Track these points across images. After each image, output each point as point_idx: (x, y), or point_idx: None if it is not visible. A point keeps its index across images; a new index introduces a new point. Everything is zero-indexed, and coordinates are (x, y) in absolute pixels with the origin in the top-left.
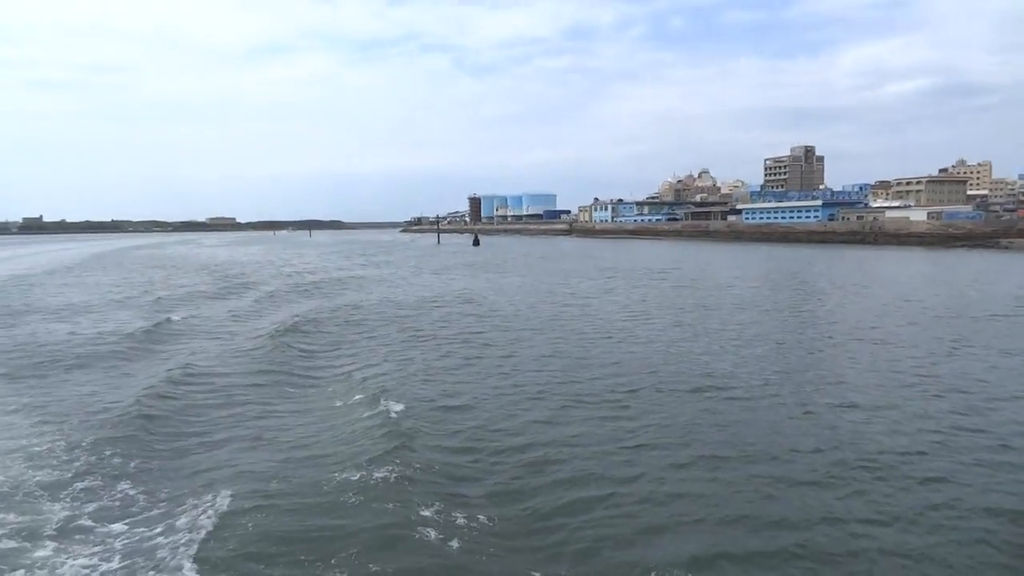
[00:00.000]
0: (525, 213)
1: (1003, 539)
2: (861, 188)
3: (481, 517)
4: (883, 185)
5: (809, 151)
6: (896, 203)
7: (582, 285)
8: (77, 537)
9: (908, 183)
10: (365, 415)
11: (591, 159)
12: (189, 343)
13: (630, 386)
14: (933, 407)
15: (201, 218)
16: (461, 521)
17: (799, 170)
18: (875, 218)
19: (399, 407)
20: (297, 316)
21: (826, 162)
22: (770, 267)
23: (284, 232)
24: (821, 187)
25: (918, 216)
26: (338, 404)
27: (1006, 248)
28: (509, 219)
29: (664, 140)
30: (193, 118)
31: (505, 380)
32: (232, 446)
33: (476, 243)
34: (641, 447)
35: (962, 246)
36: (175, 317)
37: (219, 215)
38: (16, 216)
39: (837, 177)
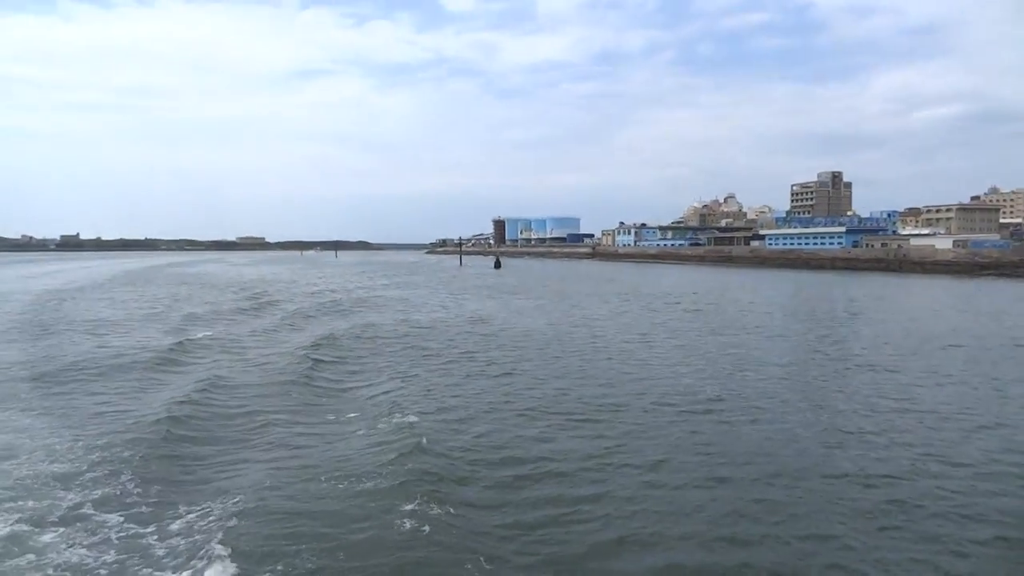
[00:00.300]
0: (549, 236)
1: None
2: (889, 215)
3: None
4: (912, 212)
5: (836, 177)
6: (926, 231)
7: (594, 308)
8: (81, 534)
9: (938, 210)
10: (379, 427)
11: (618, 183)
12: (210, 359)
13: (619, 406)
14: (904, 432)
15: (231, 237)
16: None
17: (826, 196)
18: (899, 245)
19: (413, 419)
20: (317, 335)
21: (855, 188)
22: (786, 293)
23: (312, 252)
24: (849, 213)
25: (944, 244)
26: (352, 416)
27: None
28: (533, 242)
29: (691, 165)
30: (227, 140)
31: (510, 399)
32: (248, 457)
33: (498, 266)
34: (614, 464)
35: (989, 275)
36: (198, 334)
37: (249, 234)
38: (54, 234)
39: (866, 204)
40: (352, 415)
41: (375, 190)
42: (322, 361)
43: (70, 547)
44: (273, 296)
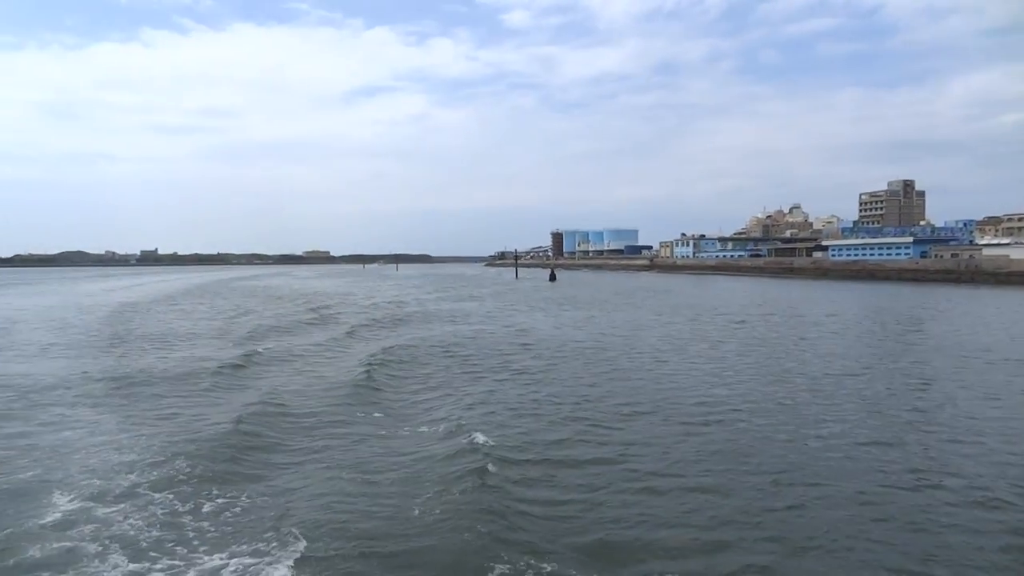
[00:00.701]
0: (606, 248)
1: None
2: (965, 224)
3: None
4: (992, 221)
5: (908, 185)
6: (1005, 240)
7: (639, 319)
8: (148, 545)
9: (1021, 219)
10: (436, 440)
11: (677, 195)
12: (272, 370)
13: (638, 416)
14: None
15: (298, 251)
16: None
17: (897, 205)
18: (971, 256)
19: (473, 433)
20: (375, 347)
21: (930, 197)
22: (841, 305)
23: (374, 265)
24: (921, 223)
25: (1019, 254)
26: (407, 427)
27: None
28: (590, 254)
29: (755, 175)
30: (294, 158)
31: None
32: (306, 465)
33: (552, 278)
34: (627, 468)
35: None
36: (261, 346)
37: (315, 248)
38: (135, 249)
39: (940, 213)
40: (407, 425)
41: (436, 204)
42: (379, 373)
43: (126, 523)
44: (333, 308)
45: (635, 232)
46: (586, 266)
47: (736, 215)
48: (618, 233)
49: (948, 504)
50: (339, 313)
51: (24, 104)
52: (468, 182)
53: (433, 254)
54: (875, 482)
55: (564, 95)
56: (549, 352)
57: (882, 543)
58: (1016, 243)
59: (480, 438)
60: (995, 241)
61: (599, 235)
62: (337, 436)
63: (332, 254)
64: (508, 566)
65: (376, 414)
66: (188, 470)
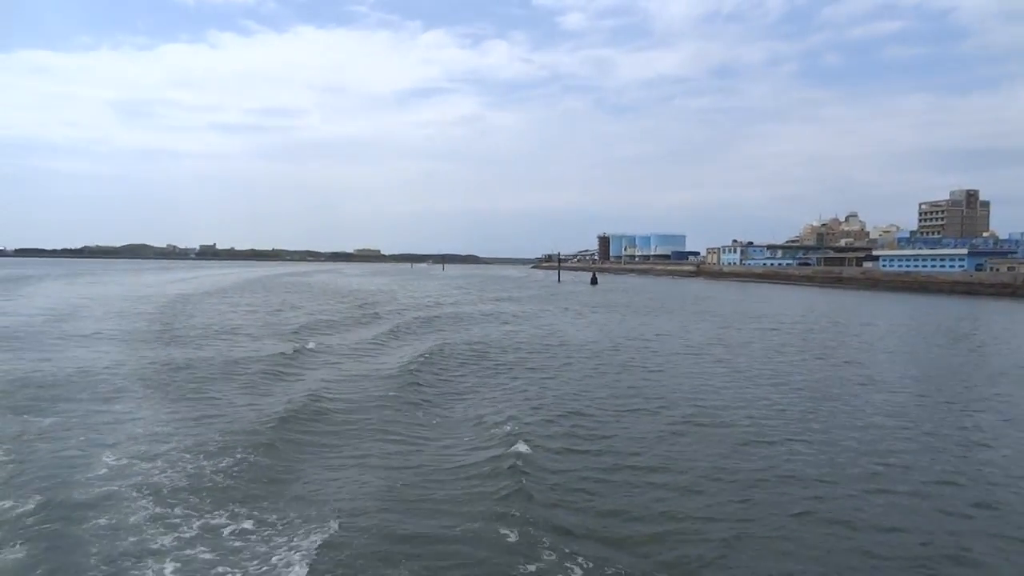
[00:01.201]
0: (653, 253)
1: None
2: None
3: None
4: None
5: (971, 195)
6: None
7: (663, 325)
8: (192, 535)
9: None
10: (475, 443)
11: (732, 201)
12: (316, 367)
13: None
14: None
15: (349, 249)
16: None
17: (959, 215)
18: None
19: (511, 435)
20: (416, 348)
21: (998, 208)
22: (885, 317)
23: (423, 265)
24: (984, 234)
25: None
26: (447, 431)
27: None
28: (637, 259)
29: (813, 182)
30: (348, 157)
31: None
32: (346, 463)
33: (594, 282)
34: (628, 466)
35: None
36: (307, 343)
37: (366, 247)
38: (194, 243)
39: (1008, 224)
40: (446, 429)
41: (485, 205)
42: (421, 373)
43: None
44: (377, 307)
45: (683, 238)
46: (632, 271)
47: (791, 222)
48: (665, 238)
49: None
50: (378, 312)
51: (98, 102)
52: (519, 184)
53: (481, 255)
54: (822, 477)
55: (618, 98)
56: (564, 352)
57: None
58: None
59: (510, 428)
60: None
61: (646, 240)
62: (369, 432)
63: (382, 252)
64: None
65: (400, 412)
66: (235, 468)
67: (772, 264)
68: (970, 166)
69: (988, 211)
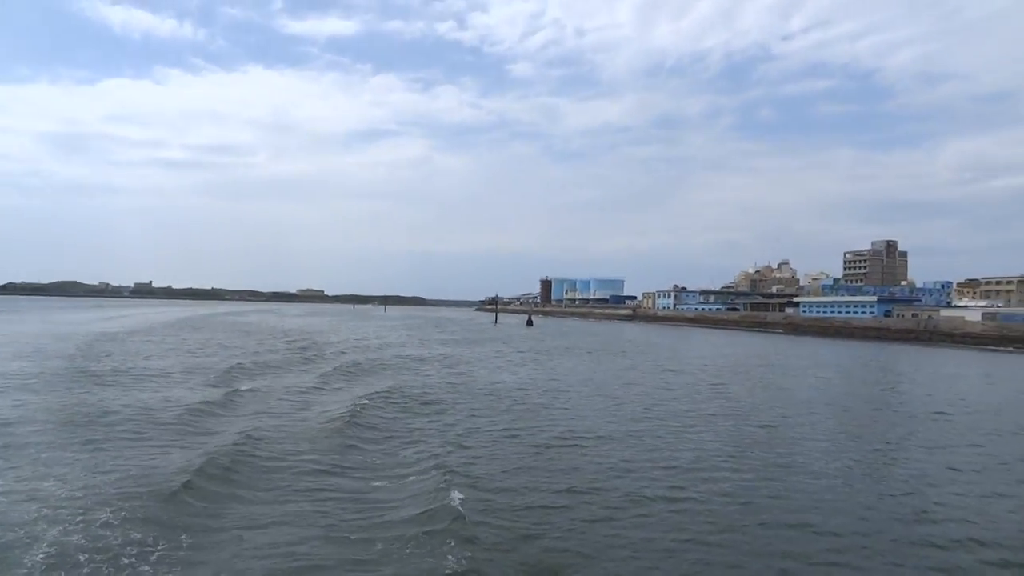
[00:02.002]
0: (592, 297)
1: None
2: (943, 286)
3: None
4: (971, 284)
5: (891, 245)
6: (983, 303)
7: (572, 364)
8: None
9: (998, 282)
10: (407, 488)
11: (672, 246)
12: (238, 416)
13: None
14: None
15: (292, 289)
16: None
17: (880, 265)
18: (930, 316)
19: (442, 479)
20: (346, 393)
21: (917, 257)
22: (783, 358)
23: (367, 306)
24: (903, 283)
25: (973, 316)
26: (380, 476)
27: None
28: (576, 302)
29: (750, 229)
30: (294, 197)
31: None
32: (272, 515)
33: (529, 323)
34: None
35: (1018, 349)
36: (232, 388)
37: (309, 287)
38: (129, 281)
39: (926, 273)
40: (379, 475)
41: (432, 247)
42: (349, 420)
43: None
44: (307, 350)
45: (621, 282)
46: (573, 314)
47: (728, 269)
48: (604, 283)
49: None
50: (309, 354)
51: (32, 135)
52: (466, 227)
53: (427, 297)
54: (696, 493)
55: (565, 144)
56: (476, 392)
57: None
58: (972, 306)
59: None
60: (971, 304)
61: (586, 284)
62: (290, 479)
63: (326, 293)
64: None
65: (325, 460)
66: (133, 517)
67: (703, 309)
68: (893, 218)
69: (906, 261)
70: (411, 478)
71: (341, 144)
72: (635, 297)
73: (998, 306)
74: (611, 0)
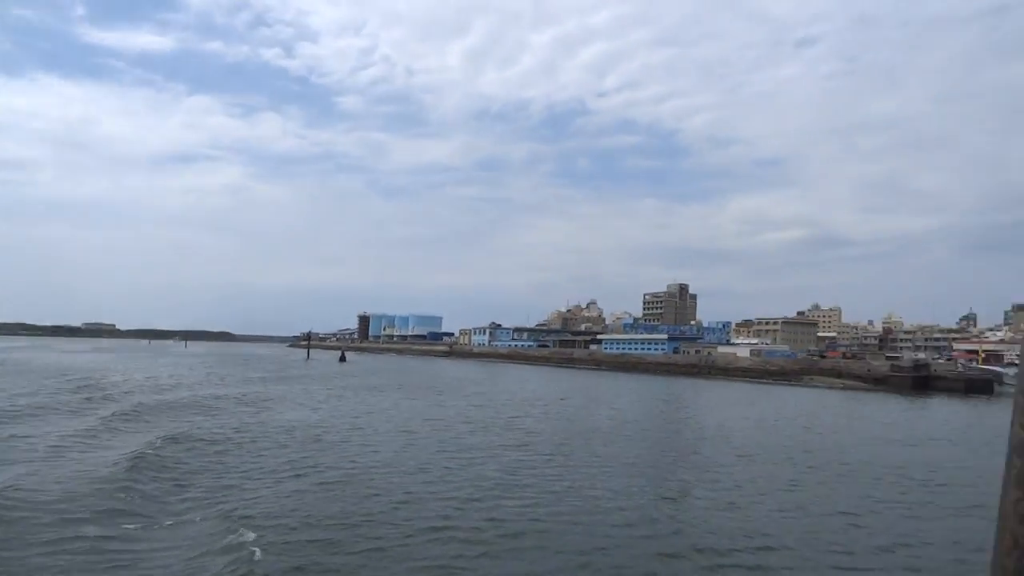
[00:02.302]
0: (411, 333)
1: None
2: (724, 325)
3: None
4: (746, 324)
5: (683, 288)
6: (755, 340)
7: (367, 400)
8: None
9: (767, 323)
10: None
11: (495, 285)
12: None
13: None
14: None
15: (76, 323)
16: None
17: (673, 305)
18: (709, 353)
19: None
20: (130, 442)
21: (705, 299)
22: (579, 390)
23: (167, 342)
24: (692, 322)
25: (743, 352)
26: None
27: (807, 383)
28: (394, 338)
29: (566, 270)
30: (86, 220)
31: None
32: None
33: (343, 359)
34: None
35: (776, 381)
36: None
37: (98, 320)
38: None
39: (713, 313)
40: (155, 521)
41: (246, 279)
42: (135, 465)
43: None
44: (82, 388)
45: (440, 319)
46: (390, 350)
47: (544, 307)
48: (423, 319)
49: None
50: (83, 392)
51: None
52: (283, 260)
53: (236, 332)
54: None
55: (391, 180)
56: (270, 432)
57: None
58: (742, 344)
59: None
60: (744, 341)
61: (405, 320)
62: (50, 533)
63: (118, 327)
64: None
65: (93, 505)
66: None
67: (517, 345)
68: (688, 263)
69: (696, 302)
70: (191, 522)
71: (146, 166)
72: (453, 334)
73: (765, 343)
74: (441, 44)
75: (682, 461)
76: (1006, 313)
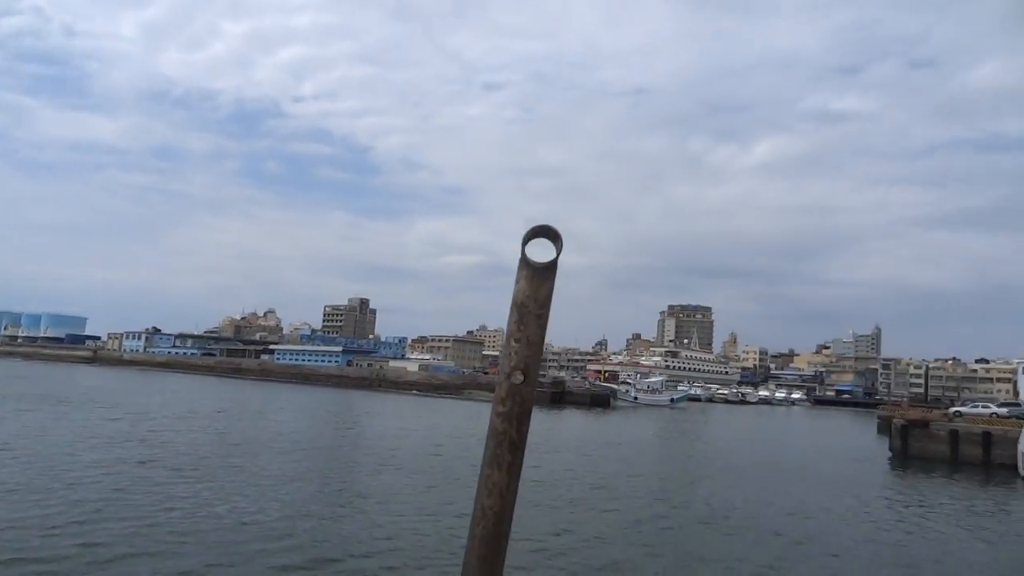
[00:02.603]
0: (43, 335)
1: None
2: (400, 341)
3: None
4: (422, 340)
5: (364, 303)
6: (427, 356)
7: None
8: None
9: (440, 340)
10: None
11: (164, 286)
12: None
13: None
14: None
15: None
16: None
17: (354, 319)
18: (381, 367)
19: None
20: None
21: (391, 315)
22: (222, 403)
23: None
24: (371, 336)
25: (413, 367)
26: None
27: (468, 397)
28: (18, 340)
29: (247, 275)
30: None
31: None
32: None
33: None
34: None
35: (442, 395)
36: None
37: None
38: None
39: (393, 328)
40: None
41: None
42: None
43: None
44: None
45: (83, 320)
46: (16, 354)
47: (219, 312)
48: (60, 319)
49: None
50: None
51: None
52: None
53: None
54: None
55: (36, 154)
56: None
57: None
58: (413, 359)
59: None
60: (417, 356)
61: (36, 319)
62: None
63: None
64: None
65: None
66: None
67: (178, 353)
68: (374, 278)
69: (375, 317)
70: None
71: None
72: (99, 337)
73: (436, 359)
74: (115, 8)
75: (328, 473)
76: (628, 340)
